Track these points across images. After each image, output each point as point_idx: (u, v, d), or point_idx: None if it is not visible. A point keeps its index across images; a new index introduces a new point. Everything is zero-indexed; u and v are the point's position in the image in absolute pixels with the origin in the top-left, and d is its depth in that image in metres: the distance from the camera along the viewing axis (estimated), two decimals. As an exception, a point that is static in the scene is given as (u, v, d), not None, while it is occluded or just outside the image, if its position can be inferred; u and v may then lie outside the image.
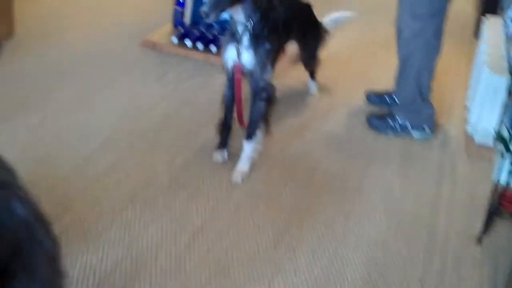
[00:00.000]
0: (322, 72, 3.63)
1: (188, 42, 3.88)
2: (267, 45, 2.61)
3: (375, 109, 3.42)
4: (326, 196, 2.67)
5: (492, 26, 3.67)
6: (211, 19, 2.41)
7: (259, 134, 2.77)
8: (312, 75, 3.57)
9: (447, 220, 2.59)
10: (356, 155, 3.00)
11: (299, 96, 3.53)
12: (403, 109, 3.20)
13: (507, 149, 2.44)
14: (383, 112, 3.32)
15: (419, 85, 3.11)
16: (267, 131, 2.84)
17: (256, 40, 2.58)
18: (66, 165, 2.67)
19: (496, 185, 2.61)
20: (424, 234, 2.50)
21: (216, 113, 2.84)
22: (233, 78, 2.71)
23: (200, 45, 3.85)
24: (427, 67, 3.09)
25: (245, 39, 2.58)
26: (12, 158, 2.60)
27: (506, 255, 2.40)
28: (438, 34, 3.02)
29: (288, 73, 3.67)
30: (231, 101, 2.78)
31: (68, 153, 2.76)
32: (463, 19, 4.81)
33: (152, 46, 3.96)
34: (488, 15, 3.91)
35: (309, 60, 3.44)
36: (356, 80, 3.77)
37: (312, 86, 3.60)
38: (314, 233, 2.44)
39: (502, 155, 2.56)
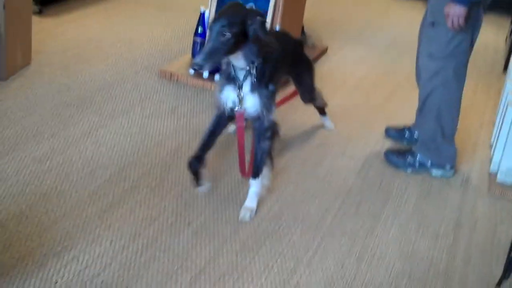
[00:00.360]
0: (340, 104, 3.54)
1: (205, 74, 3.83)
2: (271, 87, 2.56)
3: (394, 144, 3.30)
4: (337, 237, 2.55)
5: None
6: (205, 70, 2.37)
7: (265, 171, 2.67)
8: (321, 110, 3.44)
9: (465, 266, 2.45)
10: (372, 192, 2.88)
11: (314, 131, 3.43)
12: (424, 146, 3.09)
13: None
14: (402, 148, 3.20)
15: (441, 124, 3.00)
16: (272, 167, 2.75)
17: (259, 84, 2.52)
18: (69, 200, 2.60)
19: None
20: (440, 281, 2.35)
21: (229, 147, 2.77)
22: (220, 118, 2.66)
23: (216, 77, 3.79)
24: (449, 106, 2.99)
25: (247, 84, 2.51)
26: (15, 191, 2.62)
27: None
28: (459, 74, 2.93)
29: (299, 108, 3.58)
30: (210, 137, 2.69)
31: (73, 188, 2.69)
32: (492, 54, 4.69)
33: (169, 77, 3.92)
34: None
35: (309, 94, 3.28)
36: (375, 114, 3.66)
37: (326, 122, 3.49)
38: (324, 276, 2.32)
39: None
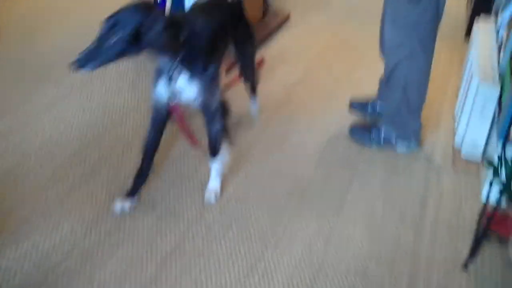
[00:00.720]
0: (304, 75, 3.47)
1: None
2: (210, 68, 2.35)
3: (358, 119, 3.26)
4: (305, 217, 2.52)
5: (484, 29, 3.50)
6: (87, 70, 2.02)
7: (224, 148, 2.57)
8: (253, 89, 3.09)
9: (431, 245, 2.44)
10: (338, 170, 2.84)
11: (281, 106, 3.36)
12: (388, 119, 3.03)
13: (496, 173, 2.29)
14: (367, 123, 3.17)
15: (407, 98, 2.92)
16: (231, 142, 2.68)
17: (193, 70, 2.29)
18: (27, 184, 2.51)
19: (485, 205, 2.47)
20: (407, 261, 2.35)
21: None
22: (157, 119, 2.44)
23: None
24: (416, 79, 2.90)
25: (181, 76, 2.29)
26: None
27: (493, 284, 2.27)
28: (425, 45, 2.82)
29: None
30: (152, 145, 2.48)
31: (31, 171, 2.59)
32: (454, 20, 4.65)
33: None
34: (480, 16, 3.74)
35: (246, 70, 2.97)
36: (340, 85, 3.61)
37: (254, 106, 3.17)
38: (291, 259, 2.29)
39: (493, 174, 2.41)
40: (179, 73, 2.27)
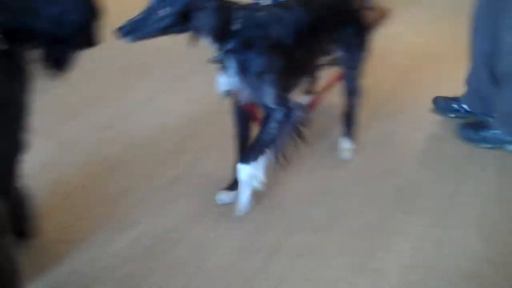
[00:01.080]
0: (405, 72, 3.35)
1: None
2: (260, 64, 2.08)
3: (468, 118, 3.11)
4: (414, 217, 2.41)
5: None
6: (128, 40, 1.94)
7: (263, 158, 2.23)
8: (348, 118, 2.76)
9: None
10: (447, 170, 2.70)
11: (381, 104, 3.26)
12: (502, 120, 2.87)
13: None
14: (477, 122, 3.02)
15: None
16: (281, 163, 2.30)
17: (243, 63, 2.08)
18: (135, 171, 2.53)
19: None
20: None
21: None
22: (236, 111, 2.32)
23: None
24: None
25: (230, 64, 2.11)
26: (80, 160, 2.55)
27: None
28: None
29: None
30: (242, 138, 2.36)
31: (137, 159, 2.61)
32: None
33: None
34: None
35: (353, 77, 2.65)
36: (446, 83, 3.46)
37: (345, 143, 2.78)
38: (401, 259, 2.19)
39: None
40: (228, 64, 2.11)
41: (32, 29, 1.57)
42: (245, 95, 2.15)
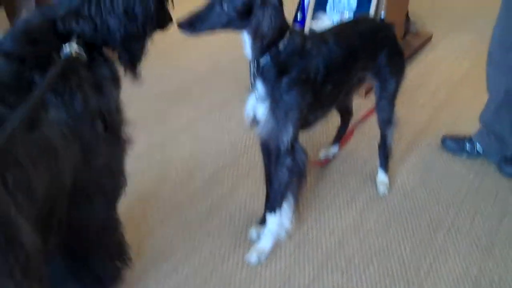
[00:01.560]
0: (447, 99, 3.28)
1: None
2: (289, 97, 2.03)
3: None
4: (451, 256, 2.35)
5: None
6: (188, 34, 1.90)
7: (286, 207, 2.24)
8: (385, 154, 2.71)
9: None
10: (487, 207, 2.64)
11: (422, 132, 3.20)
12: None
13: None
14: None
15: None
16: (297, 204, 2.28)
17: (272, 88, 2.02)
18: (168, 203, 2.53)
19: None
20: None
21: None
22: (262, 144, 2.27)
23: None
24: None
25: (259, 85, 2.05)
26: None
27: None
28: None
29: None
30: (269, 173, 2.30)
31: (172, 190, 2.61)
32: None
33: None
34: None
35: (389, 108, 2.57)
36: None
37: (381, 176, 2.75)
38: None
39: None
40: (257, 81, 2.04)
41: (109, 32, 1.61)
42: (266, 127, 2.10)
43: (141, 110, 3.17)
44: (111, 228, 1.88)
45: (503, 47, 2.59)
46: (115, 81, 1.68)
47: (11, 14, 3.29)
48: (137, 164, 2.73)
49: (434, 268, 2.29)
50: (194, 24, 1.89)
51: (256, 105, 2.10)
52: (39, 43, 1.53)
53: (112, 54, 1.70)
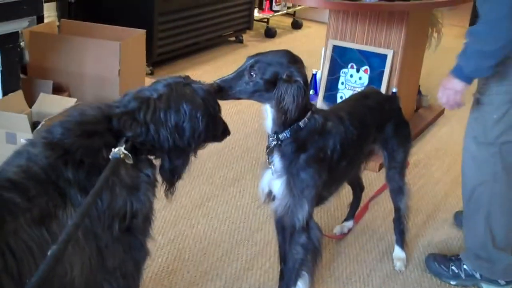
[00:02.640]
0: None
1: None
2: (306, 174, 2.03)
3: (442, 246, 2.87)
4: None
5: None
6: (224, 98, 1.95)
7: (301, 285, 2.21)
8: (401, 229, 2.66)
9: None
10: None
11: (438, 208, 3.17)
12: (471, 255, 2.55)
13: None
14: (447, 254, 2.71)
15: (491, 230, 2.44)
16: (312, 286, 2.26)
17: (289, 163, 2.03)
18: (181, 281, 2.49)
19: None
20: None
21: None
22: (276, 221, 2.26)
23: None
24: (503, 209, 2.42)
25: (276, 159, 2.05)
26: None
27: None
28: (510, 168, 2.37)
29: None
30: (283, 251, 2.29)
31: (185, 268, 2.58)
32: None
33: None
34: None
35: (399, 177, 2.56)
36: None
37: (398, 252, 2.70)
38: None
39: None
40: (275, 156, 2.05)
41: (159, 141, 1.66)
42: (282, 203, 2.07)
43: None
44: None
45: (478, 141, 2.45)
46: (152, 186, 1.70)
47: (29, 98, 3.37)
48: (151, 241, 2.72)
49: None
50: (222, 89, 1.94)
51: (272, 181, 2.09)
52: (93, 136, 1.56)
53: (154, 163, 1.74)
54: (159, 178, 1.75)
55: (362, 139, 2.29)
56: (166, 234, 2.80)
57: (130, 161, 1.55)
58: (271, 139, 2.04)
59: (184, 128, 1.68)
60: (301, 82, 1.92)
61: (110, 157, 1.51)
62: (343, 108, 2.34)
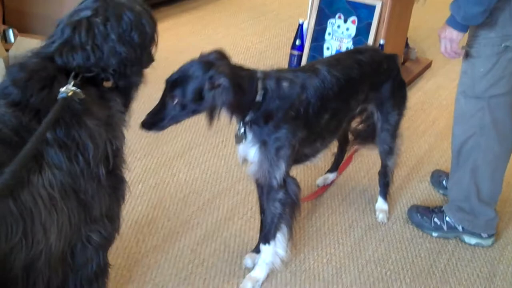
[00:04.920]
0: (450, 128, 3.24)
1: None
2: (277, 137, 2.02)
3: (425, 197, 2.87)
4: None
5: None
6: (154, 132, 2.02)
7: (280, 237, 2.18)
8: (385, 183, 2.66)
9: None
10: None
11: (422, 161, 3.15)
12: (454, 207, 2.55)
13: None
14: (430, 205, 2.70)
15: (476, 183, 2.45)
16: (291, 235, 2.21)
17: (259, 133, 2.03)
18: (161, 229, 2.46)
19: None
20: None
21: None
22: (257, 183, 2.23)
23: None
24: (489, 163, 2.42)
25: (248, 134, 2.05)
26: None
27: None
28: (498, 122, 2.35)
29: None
30: (262, 202, 2.25)
31: (165, 216, 2.55)
32: None
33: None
34: None
35: (391, 139, 2.53)
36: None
37: (381, 204, 2.69)
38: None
39: None
40: (246, 132, 2.05)
41: (103, 58, 1.56)
42: (257, 169, 2.07)
43: (136, 134, 3.12)
44: (101, 276, 1.72)
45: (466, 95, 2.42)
46: (123, 115, 1.63)
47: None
48: (132, 189, 2.68)
49: (435, 299, 2.22)
50: (156, 123, 1.94)
51: (246, 149, 2.09)
52: (45, 87, 1.45)
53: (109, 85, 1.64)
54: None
55: (347, 92, 2.23)
56: (146, 181, 2.76)
57: (81, 96, 1.44)
58: (239, 126, 2.04)
59: (132, 37, 1.58)
60: (225, 82, 1.87)
61: (58, 98, 1.41)
62: (323, 61, 2.31)
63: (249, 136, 2.05)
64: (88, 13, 1.55)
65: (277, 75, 2.05)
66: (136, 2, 1.63)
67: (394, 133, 2.52)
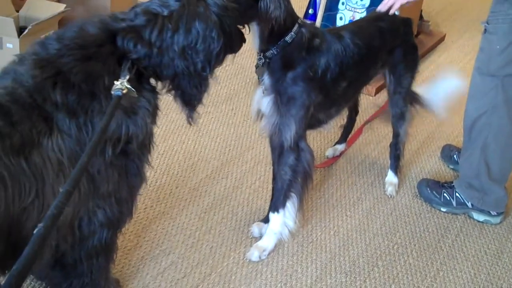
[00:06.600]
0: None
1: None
2: (293, 92, 1.98)
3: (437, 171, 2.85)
4: (460, 263, 2.28)
5: None
6: None
7: (289, 206, 2.15)
8: (396, 154, 2.61)
9: None
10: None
11: (432, 136, 3.12)
12: (464, 183, 2.53)
13: None
14: (439, 180, 2.67)
15: (486, 161, 2.43)
16: (301, 206, 2.19)
17: (276, 81, 1.98)
18: (169, 196, 2.46)
19: None
20: None
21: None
22: (271, 140, 2.16)
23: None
24: (499, 141, 2.39)
25: (266, 77, 2.00)
26: None
27: None
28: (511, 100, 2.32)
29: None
30: (275, 170, 2.19)
31: (173, 183, 2.54)
32: None
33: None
34: None
35: (402, 104, 2.50)
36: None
37: (391, 177, 2.66)
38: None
39: None
40: (264, 74, 2.00)
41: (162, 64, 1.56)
42: (269, 122, 2.04)
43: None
44: (102, 254, 1.69)
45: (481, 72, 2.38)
46: (153, 113, 1.61)
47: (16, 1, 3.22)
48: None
49: (441, 274, 2.22)
50: None
51: (261, 99, 2.05)
52: (93, 60, 1.43)
53: (161, 87, 1.65)
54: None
55: (367, 61, 2.22)
56: (155, 148, 2.73)
57: (134, 95, 1.44)
58: (259, 57, 1.99)
59: (197, 50, 1.55)
60: None
61: (113, 92, 1.38)
62: (348, 27, 2.27)
63: (266, 81, 2.00)
64: (165, 11, 1.53)
65: (313, 29, 2.03)
66: (214, 10, 1.58)
67: (406, 96, 2.50)
